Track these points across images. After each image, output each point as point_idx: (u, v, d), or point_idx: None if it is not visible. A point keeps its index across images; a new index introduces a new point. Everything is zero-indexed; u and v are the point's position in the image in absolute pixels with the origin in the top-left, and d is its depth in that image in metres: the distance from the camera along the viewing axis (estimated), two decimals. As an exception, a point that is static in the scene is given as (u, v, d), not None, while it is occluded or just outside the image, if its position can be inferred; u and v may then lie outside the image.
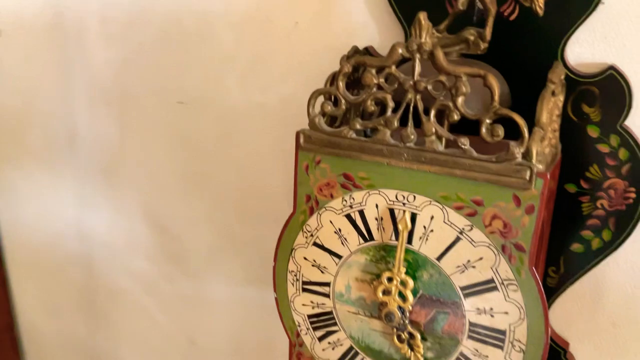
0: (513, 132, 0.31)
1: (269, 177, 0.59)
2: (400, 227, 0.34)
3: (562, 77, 0.34)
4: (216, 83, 0.58)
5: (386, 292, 0.35)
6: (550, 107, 0.31)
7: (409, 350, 0.36)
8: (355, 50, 0.38)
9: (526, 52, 0.39)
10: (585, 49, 0.41)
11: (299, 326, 0.41)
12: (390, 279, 0.35)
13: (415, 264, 0.35)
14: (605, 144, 0.41)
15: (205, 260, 0.66)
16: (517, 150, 0.29)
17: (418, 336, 0.35)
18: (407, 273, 0.35)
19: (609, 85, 0.39)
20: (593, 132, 0.41)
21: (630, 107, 0.40)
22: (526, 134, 0.29)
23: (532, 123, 0.31)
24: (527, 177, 0.29)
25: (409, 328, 0.35)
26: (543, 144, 0.32)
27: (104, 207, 0.71)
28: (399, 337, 0.36)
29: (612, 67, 0.39)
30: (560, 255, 0.45)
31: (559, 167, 0.38)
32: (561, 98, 0.36)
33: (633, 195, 0.42)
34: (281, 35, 0.52)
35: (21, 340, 0.86)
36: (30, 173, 0.74)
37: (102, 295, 0.76)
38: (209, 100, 0.59)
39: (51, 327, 0.82)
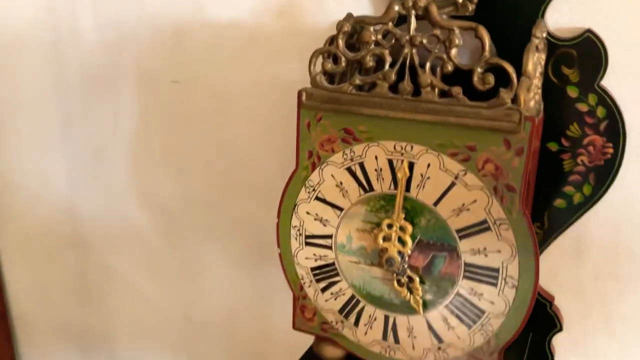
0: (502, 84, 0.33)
1: (263, 154, 0.60)
2: (399, 175, 0.36)
3: (545, 34, 0.37)
4: (209, 62, 0.59)
5: (386, 239, 0.38)
6: (535, 61, 0.34)
7: (408, 294, 0.38)
8: (350, 16, 0.41)
9: (510, 16, 0.42)
10: (563, 14, 0.44)
11: (302, 279, 0.43)
12: (390, 226, 0.37)
13: (413, 211, 0.37)
14: (584, 103, 0.44)
15: (200, 237, 0.68)
16: (507, 96, 0.32)
17: (417, 279, 0.38)
18: (405, 219, 0.37)
19: (586, 48, 0.42)
20: (572, 92, 0.44)
21: (606, 67, 0.43)
22: (515, 80, 0.32)
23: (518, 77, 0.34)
24: (517, 120, 0.32)
25: (408, 272, 0.38)
26: (529, 95, 0.35)
27: (97, 189, 0.71)
28: (399, 282, 0.38)
29: (589, 31, 0.41)
30: (545, 212, 0.47)
31: (542, 126, 0.41)
32: (543, 56, 0.39)
33: (611, 150, 0.45)
34: (274, 13, 0.53)
35: (14, 327, 0.86)
36: (22, 158, 0.75)
37: (96, 278, 0.77)
38: (202, 79, 0.60)
39: (45, 313, 0.82)
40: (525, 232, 0.34)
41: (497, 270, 0.36)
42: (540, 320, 0.51)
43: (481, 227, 0.35)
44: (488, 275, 0.36)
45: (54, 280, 0.80)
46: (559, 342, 0.53)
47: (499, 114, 0.32)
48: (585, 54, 0.42)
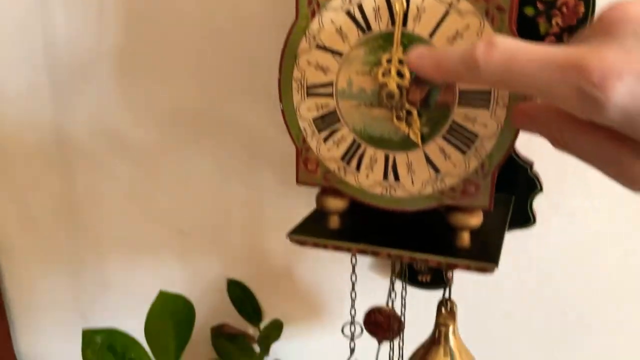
0: None
1: (252, 54, 0.62)
2: (396, 7, 0.39)
3: None
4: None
5: (385, 74, 0.40)
6: None
7: (407, 127, 0.41)
8: None
9: None
10: None
11: (305, 132, 0.45)
12: (389, 60, 0.40)
13: (410, 45, 0.40)
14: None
15: (190, 148, 0.69)
16: None
17: (414, 112, 0.41)
18: (403, 53, 0.40)
19: None
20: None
21: None
22: None
23: None
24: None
25: (406, 106, 0.40)
26: None
27: (83, 108, 0.72)
28: (398, 117, 0.41)
29: None
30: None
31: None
32: None
33: (582, 9, 0.49)
34: None
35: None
36: (3, 83, 0.74)
37: (83, 201, 0.77)
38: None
39: (30, 241, 0.82)
40: (514, 50, 0.37)
41: (489, 93, 0.39)
42: (522, 184, 0.55)
43: (474, 51, 0.38)
44: (481, 98, 0.39)
45: (38, 208, 0.79)
46: (540, 205, 0.57)
47: None
48: None
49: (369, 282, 0.65)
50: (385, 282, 0.63)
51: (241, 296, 0.72)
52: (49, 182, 0.77)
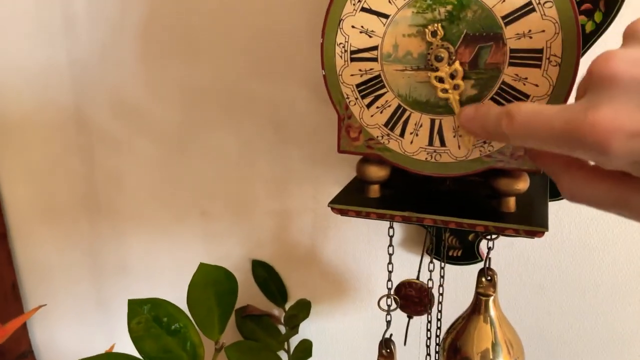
0: None
1: (278, 29, 0.61)
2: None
3: None
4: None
5: (433, 34, 0.40)
6: None
7: (445, 92, 0.41)
8: None
9: None
10: None
11: (348, 98, 0.44)
12: (438, 21, 0.40)
13: (459, 5, 0.39)
14: None
15: (214, 126, 0.68)
16: None
17: (460, 73, 0.40)
18: (452, 15, 0.39)
19: None
20: None
21: None
22: None
23: None
24: None
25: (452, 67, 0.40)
26: None
27: (104, 86, 0.71)
28: (439, 79, 0.41)
29: None
30: (560, 42, 0.51)
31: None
32: None
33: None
34: None
35: (14, 248, 0.84)
36: (22, 62, 0.73)
37: (103, 185, 0.76)
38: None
39: (46, 225, 0.81)
40: (567, 7, 0.37)
41: (541, 51, 0.38)
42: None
43: (526, 9, 0.38)
44: (532, 57, 0.39)
45: (58, 190, 0.78)
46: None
47: None
48: None
49: (397, 260, 0.65)
50: (412, 258, 0.63)
51: (266, 277, 0.71)
52: (68, 163, 0.76)
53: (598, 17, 0.51)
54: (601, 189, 0.27)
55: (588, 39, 0.51)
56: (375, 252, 0.66)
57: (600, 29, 0.51)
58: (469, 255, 0.63)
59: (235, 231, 0.72)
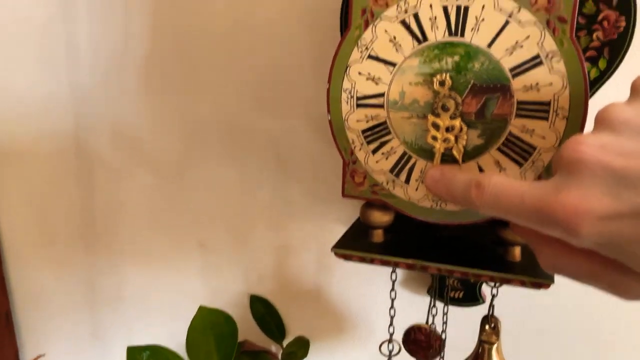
0: None
1: (283, 66, 0.61)
2: (452, 17, 0.38)
3: None
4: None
5: (441, 83, 0.40)
6: None
7: (454, 142, 0.40)
8: None
9: None
10: None
11: (353, 143, 0.44)
12: (446, 71, 0.40)
13: (467, 56, 0.39)
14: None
15: (214, 158, 0.67)
16: None
17: (464, 127, 0.40)
18: (460, 65, 0.39)
19: None
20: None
21: None
22: None
23: None
24: (570, -52, 0.35)
25: (454, 122, 0.40)
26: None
27: (105, 115, 0.70)
28: (435, 125, 0.40)
29: None
30: (564, 88, 0.51)
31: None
32: None
33: (623, 23, 0.49)
34: None
35: (9, 279, 0.83)
36: (24, 90, 0.72)
37: (102, 214, 0.75)
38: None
39: (44, 252, 0.80)
40: (575, 61, 0.37)
41: (548, 104, 0.38)
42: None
43: (534, 62, 0.38)
44: (540, 110, 0.39)
45: (57, 218, 0.77)
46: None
47: (553, -55, 0.35)
48: None
49: (398, 300, 0.64)
50: (415, 299, 0.62)
51: (264, 313, 0.70)
52: (67, 191, 0.76)
53: (602, 64, 0.51)
54: (575, 263, 0.28)
55: (592, 86, 0.51)
56: (378, 291, 0.66)
57: (604, 75, 0.51)
58: (470, 296, 0.62)
59: (234, 265, 0.72)
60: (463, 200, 0.33)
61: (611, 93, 0.52)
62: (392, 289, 0.50)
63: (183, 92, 0.67)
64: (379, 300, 0.66)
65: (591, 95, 0.52)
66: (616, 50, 0.50)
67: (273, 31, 0.61)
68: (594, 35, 0.50)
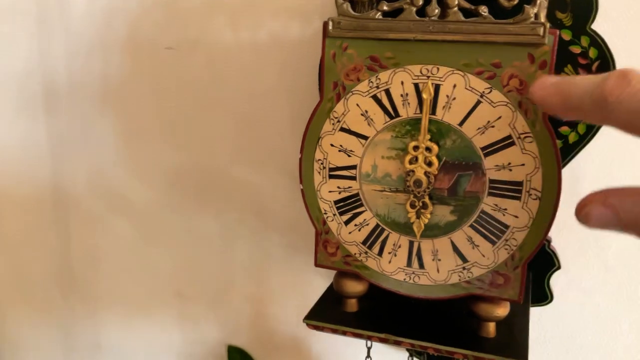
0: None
1: (263, 118, 0.61)
2: (424, 96, 0.38)
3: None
4: (205, 25, 0.60)
5: (413, 161, 0.39)
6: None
7: (415, 217, 0.40)
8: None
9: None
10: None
11: (325, 214, 0.43)
12: (416, 147, 0.39)
13: (439, 133, 0.39)
14: (577, 45, 0.48)
15: (193, 208, 0.67)
16: (531, 11, 0.34)
17: (430, 205, 0.39)
18: (431, 141, 0.39)
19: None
20: (566, 35, 0.47)
21: (597, 10, 0.47)
22: (538, -4, 0.34)
23: None
24: (541, 33, 0.35)
25: (425, 199, 0.39)
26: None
27: (83, 162, 0.69)
28: (412, 204, 0.40)
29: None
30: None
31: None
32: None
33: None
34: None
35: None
36: (1, 132, 0.72)
37: (79, 262, 0.74)
38: (198, 43, 0.60)
39: (20, 300, 0.78)
40: (548, 143, 0.36)
41: (520, 184, 0.38)
42: (540, 260, 0.54)
43: (506, 142, 0.37)
44: (512, 189, 0.38)
45: (33, 265, 0.76)
46: (557, 281, 0.55)
47: (524, 29, 0.35)
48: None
49: (379, 355, 0.63)
50: (394, 354, 0.61)
51: (242, 364, 0.69)
52: (44, 239, 0.74)
53: (581, 128, 0.50)
54: None
55: (571, 150, 0.51)
56: (357, 347, 0.64)
57: (583, 140, 0.51)
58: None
59: (212, 315, 0.70)
60: (591, 104, 0.23)
61: (593, 157, 0.52)
62: (368, 356, 0.49)
63: (162, 141, 0.66)
64: (360, 354, 0.65)
65: (570, 160, 0.52)
66: (594, 116, 0.49)
67: (252, 85, 0.60)
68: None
